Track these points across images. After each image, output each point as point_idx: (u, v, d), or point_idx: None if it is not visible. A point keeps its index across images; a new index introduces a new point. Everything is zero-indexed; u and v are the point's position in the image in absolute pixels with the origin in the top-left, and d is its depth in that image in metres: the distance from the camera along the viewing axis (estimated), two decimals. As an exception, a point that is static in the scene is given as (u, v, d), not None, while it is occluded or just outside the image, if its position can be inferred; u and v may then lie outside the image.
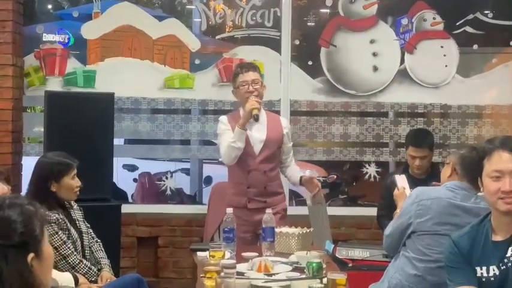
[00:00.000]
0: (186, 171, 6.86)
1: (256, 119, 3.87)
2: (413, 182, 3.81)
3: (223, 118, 4.08)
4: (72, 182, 3.54)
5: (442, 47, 5.35)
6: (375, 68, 5.35)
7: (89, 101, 4.71)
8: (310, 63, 5.41)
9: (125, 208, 4.86)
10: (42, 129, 4.73)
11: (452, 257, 2.50)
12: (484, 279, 2.44)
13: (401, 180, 3.65)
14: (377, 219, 4.54)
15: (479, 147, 2.81)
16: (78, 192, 3.59)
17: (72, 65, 5.25)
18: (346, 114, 5.44)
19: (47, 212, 3.36)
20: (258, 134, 3.96)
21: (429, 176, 4.22)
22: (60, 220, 3.47)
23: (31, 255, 1.56)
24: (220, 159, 6.32)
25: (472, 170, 3.18)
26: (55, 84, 5.21)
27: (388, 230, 3.31)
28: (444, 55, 5.35)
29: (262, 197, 3.97)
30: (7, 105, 4.94)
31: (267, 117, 4.05)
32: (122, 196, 5.87)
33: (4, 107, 4.93)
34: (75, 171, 3.56)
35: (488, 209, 3.12)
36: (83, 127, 4.53)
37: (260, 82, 3.96)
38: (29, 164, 4.71)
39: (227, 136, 3.92)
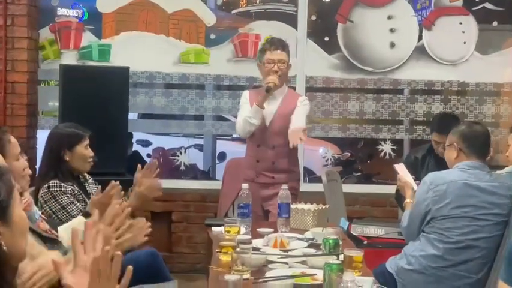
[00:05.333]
0: (200, 147, 6.85)
1: (267, 90, 3.80)
2: (438, 162, 3.75)
3: (246, 92, 4.07)
4: (85, 151, 3.52)
5: (460, 23, 5.27)
6: (392, 45, 5.28)
7: (104, 75, 4.69)
8: (326, 39, 5.35)
9: (139, 183, 4.85)
10: (57, 103, 4.72)
11: None
12: None
13: (400, 169, 3.61)
14: (395, 194, 4.46)
15: None
16: (91, 163, 3.56)
17: (87, 38, 5.23)
18: (362, 91, 5.38)
19: (62, 184, 3.36)
20: (270, 106, 3.90)
21: None
22: (76, 191, 3.46)
23: None
24: (234, 135, 6.36)
25: (478, 144, 3.13)
26: (70, 58, 5.19)
27: (405, 222, 3.25)
28: (463, 32, 5.27)
29: (270, 173, 3.95)
30: (22, 78, 4.93)
31: (287, 93, 4.00)
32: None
33: (19, 80, 4.92)
34: (87, 141, 3.54)
35: (505, 186, 3.09)
36: (98, 101, 4.51)
37: (286, 62, 3.89)
38: (43, 138, 4.71)
39: (244, 110, 3.90)
